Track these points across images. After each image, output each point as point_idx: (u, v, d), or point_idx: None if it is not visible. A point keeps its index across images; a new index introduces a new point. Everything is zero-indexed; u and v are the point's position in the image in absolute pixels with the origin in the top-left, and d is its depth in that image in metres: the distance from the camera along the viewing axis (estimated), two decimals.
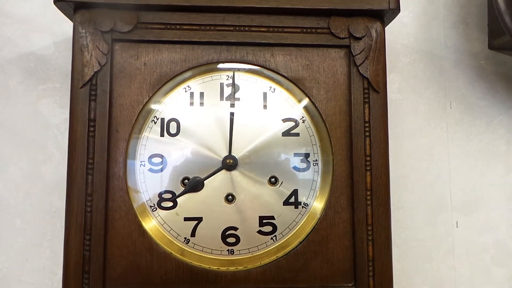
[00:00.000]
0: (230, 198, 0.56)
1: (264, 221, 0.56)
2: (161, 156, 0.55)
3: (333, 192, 0.55)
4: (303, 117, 0.58)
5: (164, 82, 0.55)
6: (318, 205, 0.56)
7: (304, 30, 0.56)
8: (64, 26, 0.70)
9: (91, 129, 0.53)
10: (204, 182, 0.55)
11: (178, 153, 0.56)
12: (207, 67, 0.57)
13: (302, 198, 0.56)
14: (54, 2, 0.53)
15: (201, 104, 0.57)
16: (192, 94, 0.57)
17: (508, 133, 0.76)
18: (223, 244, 0.55)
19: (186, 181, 0.55)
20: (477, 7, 0.77)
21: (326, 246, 0.54)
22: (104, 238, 0.52)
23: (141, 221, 0.53)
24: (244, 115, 0.57)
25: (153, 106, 0.56)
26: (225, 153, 0.56)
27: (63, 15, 0.56)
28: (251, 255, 0.55)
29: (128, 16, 0.54)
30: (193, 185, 0.55)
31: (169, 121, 0.56)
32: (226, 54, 0.56)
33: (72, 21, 0.54)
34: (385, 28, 0.57)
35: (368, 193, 0.55)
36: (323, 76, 0.57)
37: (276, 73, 0.57)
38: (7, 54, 0.70)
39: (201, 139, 0.56)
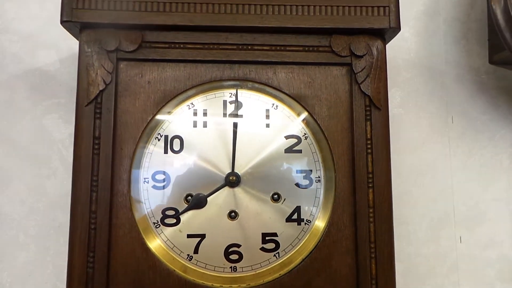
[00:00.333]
0: (233, 215, 0.56)
1: (267, 238, 0.56)
2: (165, 173, 0.56)
3: (336, 209, 0.55)
4: (305, 133, 0.58)
5: (168, 100, 0.56)
6: (320, 222, 0.56)
7: (306, 49, 0.57)
8: (69, 42, 0.71)
9: (96, 146, 0.53)
10: (207, 198, 0.56)
11: (181, 169, 0.56)
12: (211, 85, 0.57)
13: (305, 215, 0.57)
14: (61, 22, 0.54)
15: (205, 121, 0.57)
16: (195, 111, 0.57)
17: (510, 147, 0.76)
18: (226, 261, 0.55)
19: (190, 197, 0.56)
20: (477, 22, 0.78)
21: (329, 263, 0.54)
22: (107, 256, 0.52)
23: (145, 238, 0.54)
24: (247, 131, 0.57)
25: (157, 123, 0.56)
26: (228, 169, 0.56)
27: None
28: (254, 273, 0.55)
29: (133, 36, 0.55)
30: (197, 201, 0.55)
31: (173, 138, 0.56)
32: (229, 72, 0.57)
33: (78, 40, 0.55)
34: (386, 44, 0.58)
35: (371, 210, 0.55)
36: (325, 93, 0.57)
37: (279, 91, 0.57)
38: (13, 70, 0.71)
39: (204, 156, 0.56)
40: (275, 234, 0.56)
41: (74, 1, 0.53)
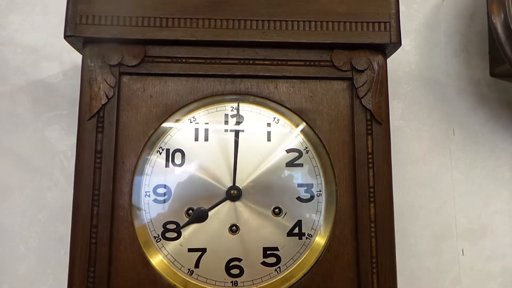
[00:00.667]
0: (234, 229, 0.56)
1: (268, 252, 0.56)
2: (166, 186, 0.56)
3: (337, 223, 0.55)
4: (306, 147, 0.58)
5: (169, 114, 0.56)
6: (322, 236, 0.56)
7: (307, 63, 0.57)
8: (72, 55, 0.71)
9: (98, 160, 0.53)
10: (209, 212, 0.55)
11: (182, 183, 0.56)
12: (212, 98, 0.58)
13: (306, 229, 0.56)
14: (65, 37, 0.54)
15: (206, 134, 0.57)
16: (197, 125, 0.57)
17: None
18: (227, 276, 0.55)
19: (191, 211, 0.55)
20: (478, 35, 0.79)
21: (330, 278, 0.54)
22: (108, 270, 0.52)
23: (145, 252, 0.54)
24: (248, 145, 0.57)
25: (158, 137, 0.57)
26: (229, 183, 0.56)
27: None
28: (255, 287, 0.55)
29: (136, 50, 0.55)
30: (198, 215, 0.55)
31: (174, 151, 0.57)
32: (230, 86, 0.57)
33: (81, 54, 0.56)
34: (387, 58, 0.58)
35: (372, 224, 0.54)
36: (326, 107, 0.57)
37: (280, 105, 0.58)
38: (16, 82, 0.72)
39: (205, 170, 0.56)
40: (276, 249, 0.56)
41: (77, 17, 0.54)
